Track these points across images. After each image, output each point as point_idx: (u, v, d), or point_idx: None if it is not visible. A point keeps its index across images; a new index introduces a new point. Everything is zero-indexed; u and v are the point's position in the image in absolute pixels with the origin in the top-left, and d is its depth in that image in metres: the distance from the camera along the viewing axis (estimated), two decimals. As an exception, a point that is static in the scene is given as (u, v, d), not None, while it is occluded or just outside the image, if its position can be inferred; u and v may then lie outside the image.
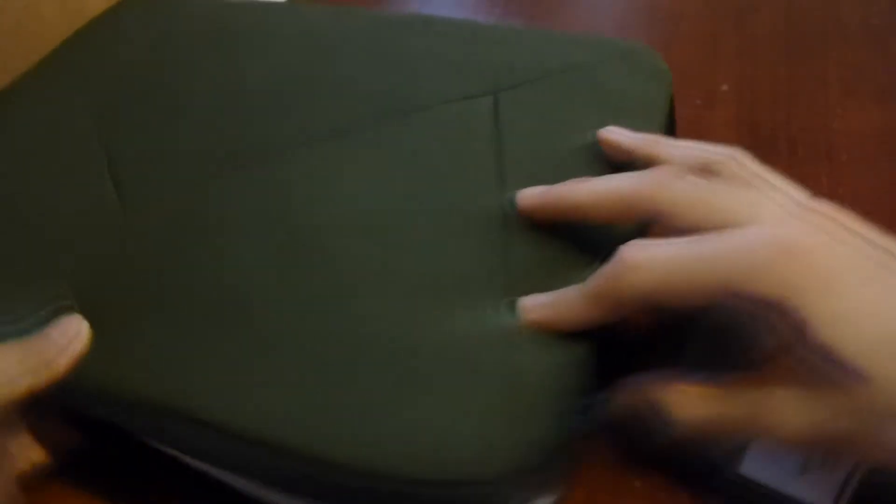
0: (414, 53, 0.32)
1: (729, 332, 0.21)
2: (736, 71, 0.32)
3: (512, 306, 0.23)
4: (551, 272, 0.24)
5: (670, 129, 0.30)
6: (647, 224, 0.24)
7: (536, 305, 0.22)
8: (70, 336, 0.23)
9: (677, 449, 0.21)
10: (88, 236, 0.26)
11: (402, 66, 0.32)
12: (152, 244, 0.25)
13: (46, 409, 0.23)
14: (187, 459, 0.22)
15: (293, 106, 0.30)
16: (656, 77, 0.30)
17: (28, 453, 0.23)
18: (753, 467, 0.22)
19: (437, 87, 0.30)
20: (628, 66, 0.30)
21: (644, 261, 0.21)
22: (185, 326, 0.23)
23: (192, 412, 0.21)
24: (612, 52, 0.31)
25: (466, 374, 0.21)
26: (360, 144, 0.28)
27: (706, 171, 0.22)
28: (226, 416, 0.21)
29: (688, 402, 0.21)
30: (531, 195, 0.25)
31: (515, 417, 0.20)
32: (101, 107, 0.31)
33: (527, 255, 0.24)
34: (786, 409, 0.20)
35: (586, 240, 0.24)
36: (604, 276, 0.21)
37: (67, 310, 0.23)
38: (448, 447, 0.20)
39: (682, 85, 0.32)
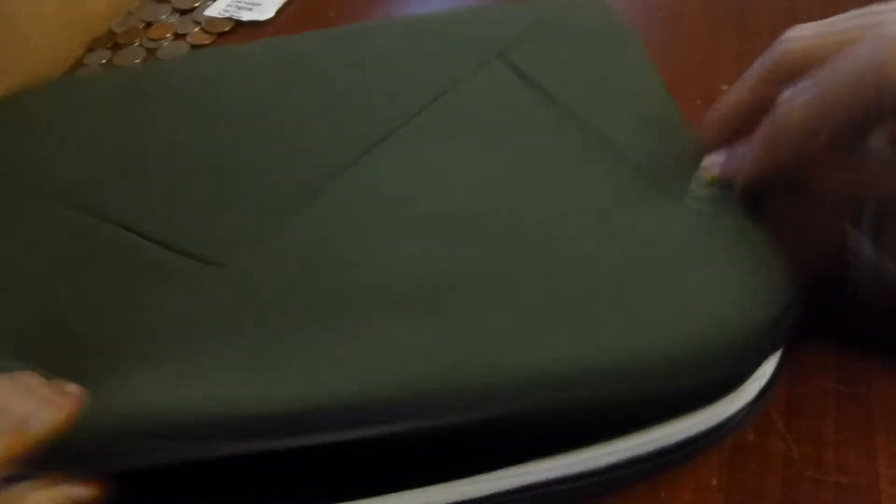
0: (404, 52, 0.33)
1: None
2: (736, 71, 0.32)
3: (699, 182, 0.25)
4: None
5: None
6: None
7: (716, 163, 0.24)
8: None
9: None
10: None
11: (401, 66, 0.32)
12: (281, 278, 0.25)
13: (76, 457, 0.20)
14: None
15: (321, 130, 0.30)
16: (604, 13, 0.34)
17: None
18: None
19: (445, 70, 0.31)
20: (582, 11, 0.34)
21: (796, 35, 0.23)
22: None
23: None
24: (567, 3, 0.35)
25: (709, 250, 0.23)
26: (415, 138, 0.29)
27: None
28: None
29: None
30: (707, 126, 0.26)
31: (759, 279, 0.22)
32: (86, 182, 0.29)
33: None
34: None
35: None
36: (769, 119, 0.23)
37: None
38: (710, 320, 0.21)
39: (682, 85, 0.32)
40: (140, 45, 0.49)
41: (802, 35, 0.23)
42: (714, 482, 0.25)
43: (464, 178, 0.27)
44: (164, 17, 0.51)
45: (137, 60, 0.48)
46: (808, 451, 0.25)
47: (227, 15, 0.50)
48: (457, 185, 0.27)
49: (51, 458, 0.19)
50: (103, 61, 0.48)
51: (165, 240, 0.26)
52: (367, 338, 0.22)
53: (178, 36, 0.50)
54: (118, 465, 0.20)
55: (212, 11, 0.51)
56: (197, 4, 0.52)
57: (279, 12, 0.50)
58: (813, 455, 0.25)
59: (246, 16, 0.50)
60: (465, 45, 0.33)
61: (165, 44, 0.49)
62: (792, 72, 0.23)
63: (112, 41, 0.50)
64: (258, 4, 0.51)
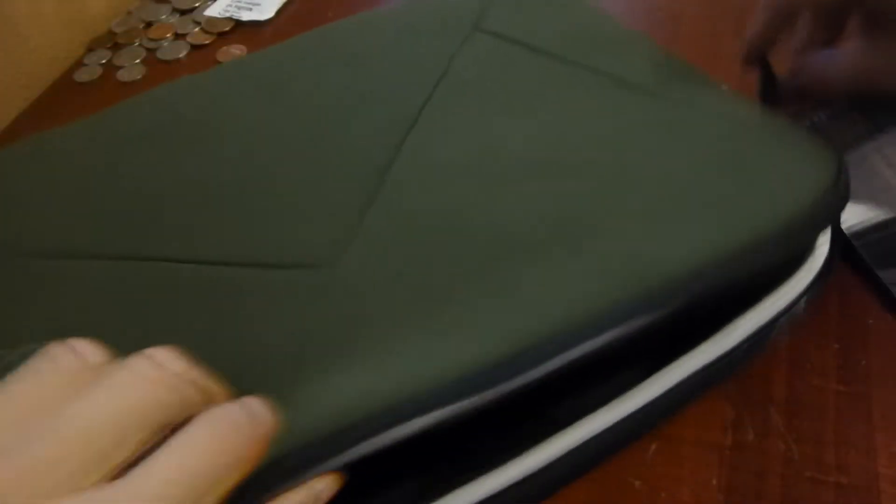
0: (389, 42, 0.33)
1: None
2: (736, 71, 0.32)
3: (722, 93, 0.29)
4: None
5: None
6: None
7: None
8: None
9: None
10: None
11: (394, 54, 0.33)
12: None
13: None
14: None
15: (350, 123, 0.30)
16: None
17: None
18: None
19: (435, 50, 0.32)
20: None
21: None
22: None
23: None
24: None
25: (756, 145, 0.26)
26: (447, 108, 0.29)
27: None
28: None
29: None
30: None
31: (806, 159, 0.25)
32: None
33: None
34: None
35: None
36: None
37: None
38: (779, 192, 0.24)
39: (682, 85, 0.32)
40: (140, 45, 0.49)
41: None
42: (714, 482, 0.25)
43: (517, 132, 0.28)
44: (164, 17, 0.51)
45: (137, 60, 0.48)
46: (808, 451, 0.25)
47: (227, 15, 0.50)
48: (516, 138, 0.28)
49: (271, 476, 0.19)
50: (103, 61, 0.48)
51: (238, 259, 0.25)
52: (526, 280, 0.23)
53: (178, 36, 0.50)
54: (334, 465, 0.20)
55: (212, 11, 0.51)
56: (197, 4, 0.52)
57: (279, 12, 0.50)
58: (813, 455, 0.25)
59: (246, 16, 0.50)
60: (441, 27, 0.34)
61: (165, 44, 0.49)
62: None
63: (112, 41, 0.50)
64: (258, 4, 0.51)
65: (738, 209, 0.24)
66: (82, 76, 0.47)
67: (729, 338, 0.25)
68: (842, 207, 0.25)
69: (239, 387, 0.19)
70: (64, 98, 0.46)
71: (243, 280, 0.24)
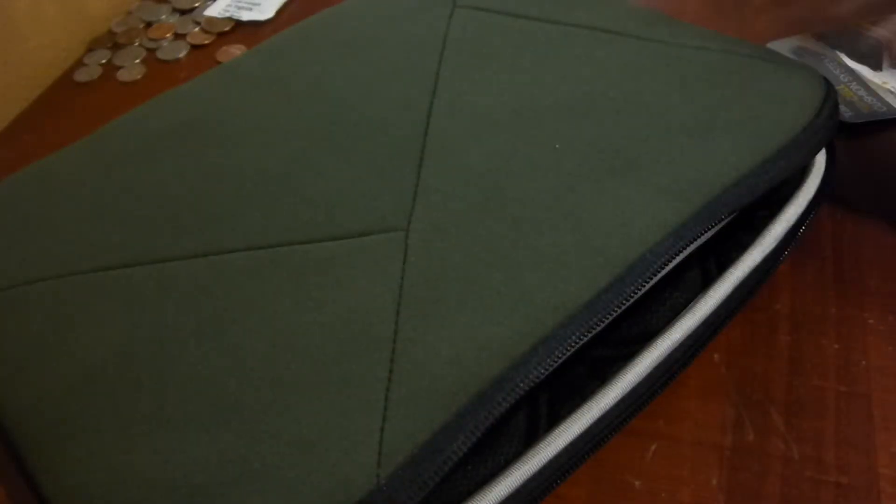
0: (377, 29, 0.34)
1: None
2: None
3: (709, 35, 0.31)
4: None
5: None
6: None
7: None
8: None
9: None
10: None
11: (387, 39, 0.33)
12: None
13: None
14: None
15: (371, 104, 0.30)
16: None
17: None
18: None
19: (425, 30, 0.33)
20: None
21: None
22: None
23: None
24: None
25: (751, 74, 0.28)
26: (460, 76, 0.30)
27: None
28: None
29: None
30: None
31: (798, 81, 0.28)
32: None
33: None
34: None
35: None
36: None
37: None
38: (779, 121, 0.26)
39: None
40: (140, 45, 0.49)
41: None
42: (714, 482, 0.25)
43: (534, 85, 0.29)
44: (164, 17, 0.51)
45: (137, 60, 0.48)
46: (808, 451, 0.25)
47: (227, 15, 0.50)
48: (536, 90, 0.29)
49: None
50: (103, 61, 0.48)
51: (303, 237, 0.25)
52: (593, 209, 0.24)
53: (178, 36, 0.50)
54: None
55: (212, 11, 0.51)
56: (197, 4, 0.52)
57: (279, 12, 0.50)
58: (813, 455, 0.25)
59: (246, 16, 0.50)
60: (420, 9, 0.34)
61: (165, 44, 0.49)
62: None
63: (112, 41, 0.50)
64: (258, 4, 0.51)
65: (755, 126, 0.26)
66: (82, 76, 0.47)
67: (766, 240, 0.27)
68: (837, 116, 0.27)
69: (340, 361, 0.21)
70: (64, 98, 0.46)
71: (320, 253, 0.24)
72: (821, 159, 0.29)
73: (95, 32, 0.51)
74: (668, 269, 0.24)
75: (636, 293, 0.22)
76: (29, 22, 0.47)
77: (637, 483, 0.25)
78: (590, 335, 0.22)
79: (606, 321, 0.22)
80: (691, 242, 0.24)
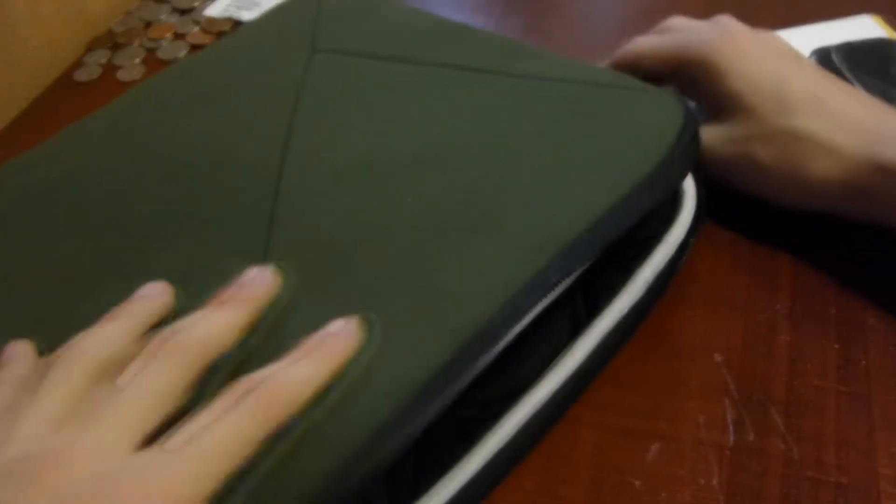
0: (226, 82, 0.33)
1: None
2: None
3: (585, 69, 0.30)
4: None
5: None
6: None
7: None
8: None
9: None
10: None
11: (239, 94, 0.32)
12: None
13: None
14: None
15: (213, 173, 0.29)
16: None
17: None
18: None
19: (281, 76, 0.32)
20: None
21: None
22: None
23: None
24: None
25: (616, 106, 0.28)
26: (313, 120, 0.30)
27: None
28: None
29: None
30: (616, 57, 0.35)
31: (658, 109, 0.28)
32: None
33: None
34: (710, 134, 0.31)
35: None
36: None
37: None
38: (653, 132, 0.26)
39: (681, 85, 0.32)
40: (140, 45, 0.49)
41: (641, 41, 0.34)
42: (714, 482, 0.25)
43: (390, 132, 0.28)
44: (163, 17, 0.51)
45: (137, 60, 0.48)
46: (808, 451, 0.25)
47: (227, 15, 0.50)
48: (391, 138, 0.28)
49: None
50: (103, 61, 0.48)
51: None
52: (445, 271, 0.23)
53: (178, 36, 0.50)
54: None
55: (212, 11, 0.51)
56: (197, 4, 0.52)
57: (279, 12, 0.50)
58: (813, 455, 0.25)
59: (246, 16, 0.50)
60: (278, 55, 0.33)
61: (165, 44, 0.49)
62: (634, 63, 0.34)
63: (112, 41, 0.50)
64: (258, 4, 0.51)
65: (613, 161, 0.26)
66: (82, 76, 0.47)
67: (635, 286, 0.26)
68: (698, 143, 0.27)
69: None
70: (64, 98, 0.46)
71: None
72: (690, 184, 0.28)
73: (95, 32, 0.51)
74: (524, 323, 0.22)
75: (484, 362, 0.21)
76: (28, 22, 0.47)
77: (637, 483, 0.25)
78: (436, 412, 0.20)
79: (454, 392, 0.21)
80: (548, 293, 0.23)
